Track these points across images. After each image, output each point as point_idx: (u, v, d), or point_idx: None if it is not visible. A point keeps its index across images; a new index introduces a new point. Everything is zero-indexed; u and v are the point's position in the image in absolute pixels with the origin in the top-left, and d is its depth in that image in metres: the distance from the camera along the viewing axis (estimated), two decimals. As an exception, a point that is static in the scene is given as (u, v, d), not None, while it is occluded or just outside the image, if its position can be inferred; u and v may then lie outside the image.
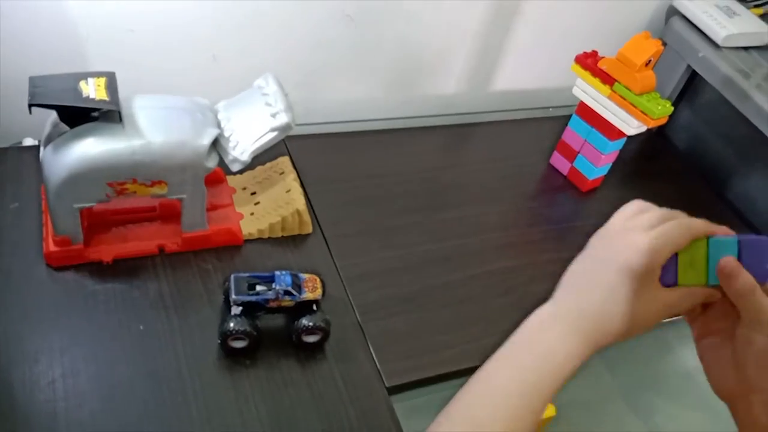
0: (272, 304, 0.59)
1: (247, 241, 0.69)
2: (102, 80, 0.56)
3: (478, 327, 0.68)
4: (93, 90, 0.55)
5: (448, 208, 0.81)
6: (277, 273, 0.59)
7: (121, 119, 0.55)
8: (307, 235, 0.72)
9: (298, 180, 0.75)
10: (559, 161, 0.92)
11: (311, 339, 0.60)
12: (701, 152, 1.04)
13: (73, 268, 0.62)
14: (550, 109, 1.09)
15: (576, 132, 0.88)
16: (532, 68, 1.04)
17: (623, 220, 0.46)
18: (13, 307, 0.59)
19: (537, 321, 0.45)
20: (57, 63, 0.72)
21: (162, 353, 0.58)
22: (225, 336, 0.57)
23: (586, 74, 0.83)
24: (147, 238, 0.65)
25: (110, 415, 0.53)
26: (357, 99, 0.94)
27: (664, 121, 0.79)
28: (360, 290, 0.68)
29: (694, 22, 0.97)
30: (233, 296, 0.57)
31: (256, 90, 0.64)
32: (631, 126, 0.80)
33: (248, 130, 0.62)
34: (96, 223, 0.64)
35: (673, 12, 1.01)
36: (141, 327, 0.59)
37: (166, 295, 0.63)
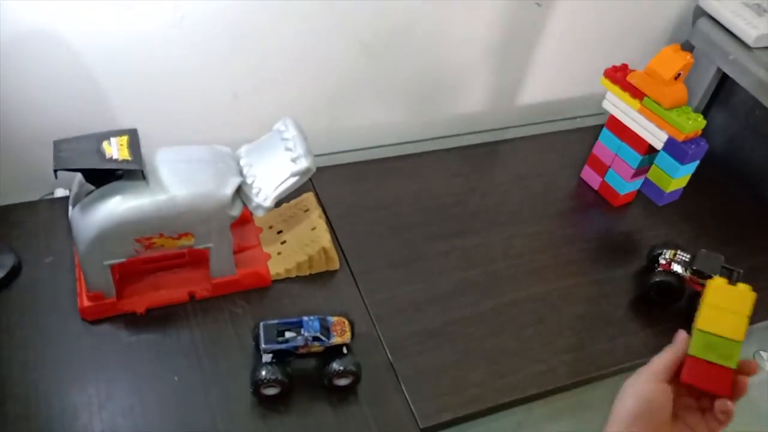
0: (302, 350, 0.59)
1: (275, 281, 0.70)
2: (124, 139, 0.57)
3: (509, 360, 0.67)
4: (116, 150, 0.56)
5: (475, 233, 0.80)
6: (305, 319, 0.59)
7: (144, 177, 0.56)
8: (335, 271, 0.72)
9: (324, 216, 0.75)
10: (590, 175, 0.90)
11: (342, 382, 0.60)
12: (737, 154, 1.01)
13: (108, 320, 0.64)
14: (578, 119, 1.07)
15: (606, 146, 0.86)
16: (557, 77, 1.02)
17: None
18: (51, 361, 0.60)
19: None
20: (81, 113, 0.74)
21: (196, 404, 0.59)
22: (257, 384, 0.58)
23: (616, 88, 0.81)
24: (177, 286, 0.66)
25: (149, 470, 0.54)
26: (378, 124, 0.94)
27: (696, 135, 0.77)
28: (389, 326, 0.68)
29: (723, 22, 0.94)
30: (263, 345, 0.58)
31: (276, 134, 0.64)
32: (661, 140, 0.78)
33: (270, 175, 0.62)
34: (128, 274, 0.65)
35: (700, 13, 0.98)
36: (175, 378, 0.60)
37: (198, 341, 0.64)
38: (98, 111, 0.76)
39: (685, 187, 0.82)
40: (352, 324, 0.62)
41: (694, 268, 0.71)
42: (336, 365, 0.59)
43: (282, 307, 0.68)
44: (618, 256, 0.81)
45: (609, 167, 0.86)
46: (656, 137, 0.78)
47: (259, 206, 0.62)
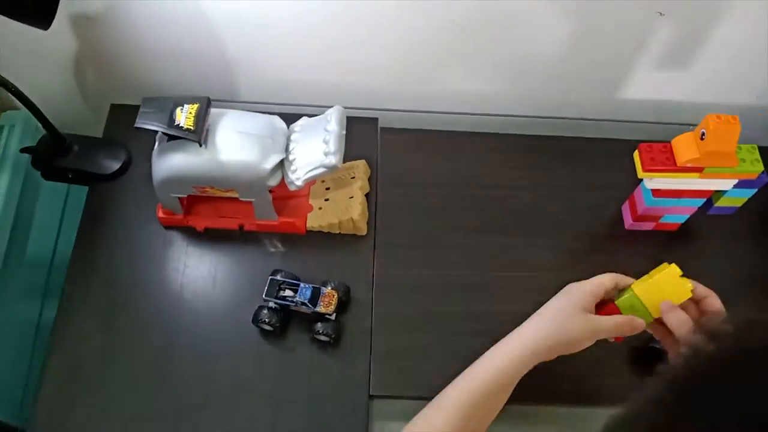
0: (293, 309, 0.73)
1: (310, 231, 0.83)
2: (194, 108, 0.69)
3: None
4: (184, 118, 0.69)
5: (502, 234, 0.84)
6: (302, 285, 0.73)
7: (201, 144, 0.69)
8: (362, 236, 0.83)
9: (365, 188, 0.84)
10: (626, 214, 0.87)
11: (322, 338, 0.75)
12: None
13: (177, 228, 0.82)
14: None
15: (653, 205, 0.82)
16: (679, 76, 0.94)
17: None
18: (134, 248, 0.81)
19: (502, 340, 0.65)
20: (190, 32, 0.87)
21: (219, 300, 0.77)
22: (255, 320, 0.74)
23: (659, 174, 0.75)
24: (232, 216, 0.82)
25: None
26: (464, 91, 0.96)
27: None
28: (385, 301, 0.79)
29: None
30: (264, 296, 0.73)
31: (323, 121, 0.73)
32: (729, 186, 0.76)
33: (306, 158, 0.72)
34: (193, 201, 0.81)
35: None
36: (212, 288, 0.79)
37: (237, 264, 0.81)
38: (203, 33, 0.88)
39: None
40: (341, 297, 0.74)
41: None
42: (318, 326, 0.73)
43: (309, 255, 0.82)
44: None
45: (658, 220, 0.84)
46: (722, 185, 0.76)
47: (291, 182, 0.73)
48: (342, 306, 0.76)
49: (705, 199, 0.80)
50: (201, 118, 0.69)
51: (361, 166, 0.85)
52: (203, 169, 0.71)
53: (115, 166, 0.85)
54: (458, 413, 0.61)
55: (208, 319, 0.77)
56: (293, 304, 0.73)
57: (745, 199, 0.80)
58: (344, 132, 0.72)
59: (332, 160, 0.70)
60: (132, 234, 0.82)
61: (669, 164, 0.73)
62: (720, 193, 0.79)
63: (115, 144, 0.87)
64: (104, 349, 0.75)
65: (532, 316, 0.65)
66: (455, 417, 0.61)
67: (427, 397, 0.73)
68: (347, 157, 0.86)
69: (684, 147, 0.72)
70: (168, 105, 0.70)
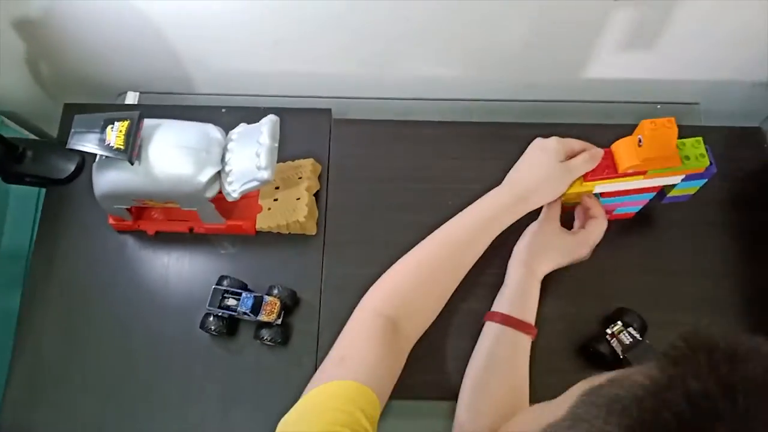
0: (237, 316, 0.75)
1: (260, 231, 0.84)
2: (125, 125, 0.69)
3: (421, 363, 0.77)
4: (114, 137, 0.69)
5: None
6: (244, 295, 0.74)
7: (132, 162, 0.70)
8: (312, 235, 0.84)
9: (313, 187, 0.84)
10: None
11: (268, 344, 0.77)
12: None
13: (128, 233, 0.84)
14: (659, 107, 0.95)
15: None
16: (642, 55, 0.89)
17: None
18: (88, 251, 0.83)
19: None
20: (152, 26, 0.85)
21: (171, 298, 0.80)
22: (203, 326, 0.76)
23: (600, 182, 0.74)
24: (181, 219, 0.83)
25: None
26: (427, 76, 0.93)
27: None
28: (332, 301, 0.80)
29: None
30: (207, 306, 0.75)
31: (257, 132, 0.72)
32: (677, 180, 0.74)
33: (241, 171, 0.72)
34: (140, 208, 0.82)
35: None
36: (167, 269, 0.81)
37: (187, 263, 0.82)
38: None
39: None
40: (286, 303, 0.76)
41: (624, 356, 0.72)
42: (263, 332, 0.75)
43: (259, 256, 0.83)
44: (581, 291, 0.82)
45: (612, 212, 0.82)
46: (670, 181, 0.75)
47: (228, 194, 0.73)
48: (288, 310, 0.78)
49: (655, 193, 0.78)
50: (132, 134, 0.69)
51: (308, 165, 0.85)
52: (138, 184, 0.71)
53: (69, 169, 0.87)
54: (449, 245, 0.74)
55: (162, 322, 0.80)
56: (236, 313, 0.74)
57: (698, 188, 0.77)
58: (276, 144, 0.71)
59: (264, 175, 0.70)
60: (88, 237, 0.84)
61: (610, 172, 0.71)
62: (671, 186, 0.76)
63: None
64: (65, 351, 0.78)
65: (510, 173, 0.77)
66: (445, 245, 0.74)
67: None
68: (297, 153, 0.86)
69: (624, 153, 0.70)
70: (99, 123, 0.70)
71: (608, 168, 0.71)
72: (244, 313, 0.74)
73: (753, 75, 0.91)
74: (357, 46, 0.88)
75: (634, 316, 0.76)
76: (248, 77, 0.94)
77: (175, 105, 0.92)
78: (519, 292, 0.74)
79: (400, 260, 0.74)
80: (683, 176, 0.73)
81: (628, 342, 0.73)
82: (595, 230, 0.76)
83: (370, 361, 0.64)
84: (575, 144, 0.74)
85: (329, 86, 0.95)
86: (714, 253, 0.84)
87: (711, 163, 0.71)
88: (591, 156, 0.72)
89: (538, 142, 0.76)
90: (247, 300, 0.74)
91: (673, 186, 0.76)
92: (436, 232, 0.75)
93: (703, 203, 0.84)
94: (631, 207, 0.82)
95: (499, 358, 0.72)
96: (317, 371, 0.67)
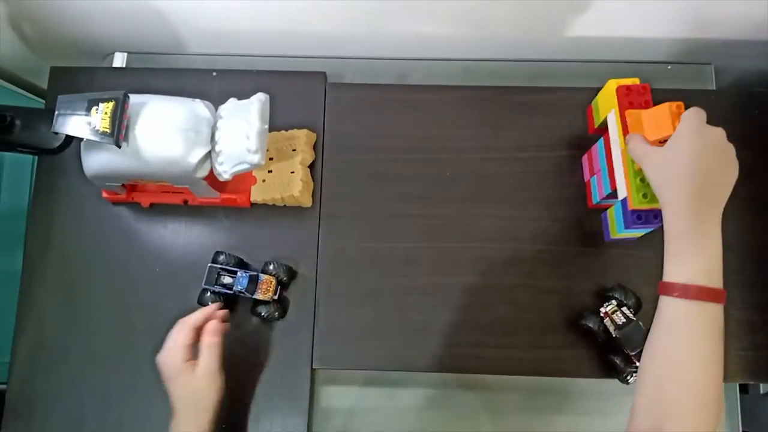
0: (234, 293, 0.76)
1: (254, 204, 0.83)
2: (110, 106, 0.67)
3: (418, 336, 0.79)
4: (99, 120, 0.67)
5: (452, 203, 0.82)
6: (239, 274, 0.75)
7: (118, 146, 0.68)
8: (308, 207, 0.83)
9: (307, 160, 0.82)
10: (585, 165, 0.83)
11: (266, 317, 0.78)
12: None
13: (123, 204, 0.83)
14: (669, 67, 0.91)
15: (597, 155, 0.78)
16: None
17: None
18: (84, 224, 0.83)
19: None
20: None
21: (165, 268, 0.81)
22: (200, 301, 0.77)
23: (617, 111, 0.71)
24: (176, 191, 0.82)
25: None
26: (423, 34, 0.89)
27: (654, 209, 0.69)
28: (329, 275, 0.81)
29: None
30: (203, 284, 0.75)
31: (247, 111, 0.70)
32: (621, 195, 0.71)
33: (231, 151, 0.70)
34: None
35: None
36: (156, 269, 0.81)
37: (182, 233, 0.82)
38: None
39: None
40: (282, 279, 0.76)
41: (616, 335, 0.72)
42: (259, 308, 0.76)
43: (255, 227, 0.83)
44: (579, 267, 0.81)
45: (593, 175, 0.80)
46: (620, 188, 0.72)
47: (220, 174, 0.72)
48: (284, 285, 0.79)
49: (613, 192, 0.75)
50: (117, 116, 0.67)
51: (302, 137, 0.82)
52: (127, 166, 0.70)
53: (60, 138, 0.84)
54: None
55: (160, 294, 0.81)
56: (232, 291, 0.75)
57: (640, 233, 0.76)
58: (266, 126, 0.69)
59: (254, 159, 0.69)
60: (82, 210, 0.83)
61: (625, 107, 0.70)
62: (614, 227, 0.76)
63: (58, 114, 0.86)
64: (66, 325, 0.80)
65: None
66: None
67: (368, 369, 0.79)
68: (292, 119, 0.84)
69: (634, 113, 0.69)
70: (83, 104, 0.67)
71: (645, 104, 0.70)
72: (240, 292, 0.74)
73: (766, 34, 0.86)
74: (349, 5, 0.84)
75: (629, 294, 0.76)
76: (239, 36, 0.90)
77: (165, 68, 0.89)
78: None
79: None
80: (624, 195, 0.71)
81: (620, 322, 0.73)
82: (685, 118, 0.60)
83: None
84: None
85: (322, 46, 0.91)
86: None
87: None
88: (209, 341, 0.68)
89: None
90: (242, 279, 0.74)
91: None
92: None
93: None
94: (598, 191, 0.79)
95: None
96: None
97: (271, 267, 0.77)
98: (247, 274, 0.75)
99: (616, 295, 0.76)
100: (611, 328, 0.73)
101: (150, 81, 0.86)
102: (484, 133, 0.85)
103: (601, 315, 0.75)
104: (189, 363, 0.67)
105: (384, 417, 0.83)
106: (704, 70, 0.91)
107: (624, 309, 0.74)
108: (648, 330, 0.60)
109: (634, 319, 0.73)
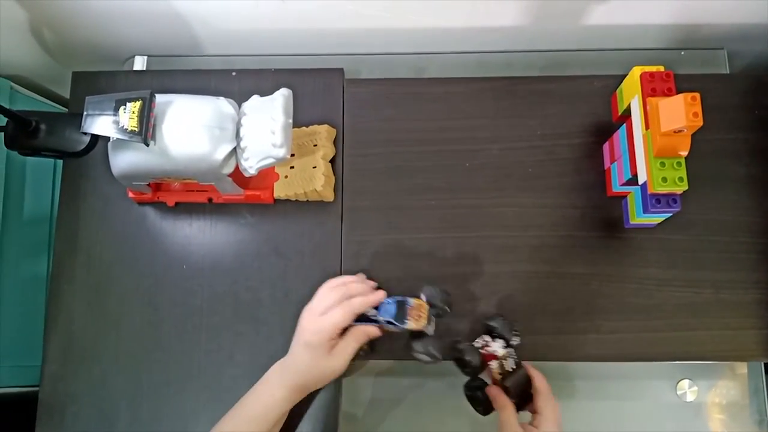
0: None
1: (277, 200, 0.84)
2: (137, 105, 0.68)
3: (443, 325, 0.79)
4: (127, 119, 0.68)
5: (472, 193, 0.83)
6: (386, 301, 0.69)
7: (147, 144, 0.69)
8: (331, 202, 0.84)
9: (329, 154, 0.83)
10: (606, 153, 0.84)
11: (423, 359, 0.68)
12: None
13: (149, 205, 0.84)
14: (683, 53, 0.92)
15: (619, 141, 0.79)
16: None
17: (317, 298, 0.70)
18: (111, 225, 0.84)
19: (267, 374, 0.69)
20: None
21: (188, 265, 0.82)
22: None
23: (639, 98, 0.72)
24: (199, 190, 0.83)
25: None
26: (439, 28, 0.90)
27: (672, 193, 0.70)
28: (354, 269, 0.81)
29: None
30: None
31: (270, 107, 0.71)
32: (641, 179, 0.72)
33: (256, 147, 0.71)
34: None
35: None
36: (183, 266, 0.82)
37: (207, 232, 0.83)
38: None
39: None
40: (441, 307, 0.70)
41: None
42: (415, 344, 0.68)
43: (278, 224, 0.84)
44: (601, 253, 0.82)
45: (613, 161, 0.81)
46: (640, 172, 0.72)
47: (245, 170, 0.73)
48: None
49: (633, 178, 0.76)
50: (144, 115, 0.68)
51: (323, 132, 0.84)
52: (155, 164, 0.71)
53: (84, 141, 0.86)
54: None
55: (187, 293, 0.82)
56: (377, 324, 0.70)
57: (660, 219, 0.78)
58: (291, 120, 0.70)
59: (280, 153, 0.70)
60: (109, 210, 0.85)
61: (647, 94, 0.70)
62: (633, 212, 0.77)
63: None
64: (95, 325, 0.81)
65: (283, 360, 0.70)
66: None
67: (389, 360, 0.79)
68: (312, 116, 0.85)
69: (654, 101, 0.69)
70: (111, 104, 0.69)
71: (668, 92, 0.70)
72: (388, 323, 0.68)
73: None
74: (363, 3, 0.85)
75: (500, 323, 0.73)
76: (256, 36, 0.91)
77: (185, 69, 0.90)
78: None
79: None
80: (644, 180, 0.71)
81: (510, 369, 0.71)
82: (546, 409, 0.67)
83: None
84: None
85: (337, 42, 0.92)
86: (737, 209, 0.83)
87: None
88: (362, 333, 0.69)
89: (302, 329, 0.69)
90: (389, 306, 0.69)
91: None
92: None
93: (725, 156, 0.83)
94: (618, 178, 0.80)
95: None
96: None
97: (411, 299, 0.69)
98: (394, 300, 0.69)
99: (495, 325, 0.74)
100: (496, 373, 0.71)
101: (171, 83, 0.88)
102: (501, 123, 0.86)
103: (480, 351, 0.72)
104: (332, 341, 0.67)
105: (404, 408, 0.83)
106: (717, 55, 0.92)
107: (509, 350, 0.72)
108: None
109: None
